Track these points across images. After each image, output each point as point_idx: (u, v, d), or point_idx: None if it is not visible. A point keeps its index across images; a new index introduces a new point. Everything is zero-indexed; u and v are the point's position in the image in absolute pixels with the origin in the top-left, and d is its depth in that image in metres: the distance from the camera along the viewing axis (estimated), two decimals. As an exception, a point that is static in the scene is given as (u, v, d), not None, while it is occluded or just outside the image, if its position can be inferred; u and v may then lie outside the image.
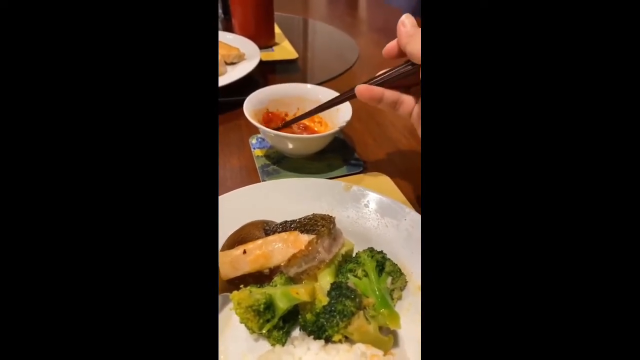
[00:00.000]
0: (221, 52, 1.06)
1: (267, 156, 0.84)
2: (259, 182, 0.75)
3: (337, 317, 0.43)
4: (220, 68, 1.03)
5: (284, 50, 1.28)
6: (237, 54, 1.09)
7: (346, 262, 0.53)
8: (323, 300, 0.46)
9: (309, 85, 0.88)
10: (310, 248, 0.49)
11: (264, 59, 1.16)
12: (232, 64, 1.08)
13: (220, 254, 0.53)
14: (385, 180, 0.75)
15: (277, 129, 0.79)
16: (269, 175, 0.78)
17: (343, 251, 0.53)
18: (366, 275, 0.51)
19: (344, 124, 0.77)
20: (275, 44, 1.31)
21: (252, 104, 0.81)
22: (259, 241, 0.52)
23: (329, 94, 0.86)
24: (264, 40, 1.24)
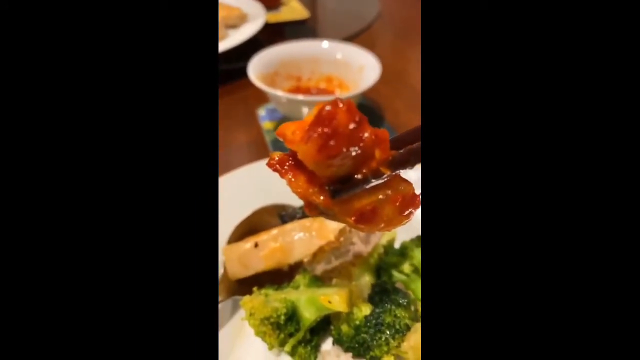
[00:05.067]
0: (221, 13, 0.92)
1: (279, 129, 0.71)
2: (271, 158, 0.63)
3: (387, 332, 0.32)
4: (220, 31, 0.89)
5: (293, 10, 1.13)
6: (239, 15, 0.95)
7: (388, 255, 0.41)
8: (363, 307, 0.34)
9: (325, 43, 0.74)
10: (342, 239, 0.37)
11: (270, 20, 1.02)
12: (234, 26, 0.95)
13: (225, 248, 0.41)
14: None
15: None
16: (283, 151, 0.66)
17: (384, 241, 0.41)
18: (416, 271, 0.39)
19: (371, 84, 0.63)
20: (282, 3, 1.15)
21: (258, 66, 0.68)
22: (274, 231, 0.41)
23: (351, 51, 0.72)
24: (269, -1, 1.09)
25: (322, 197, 0.21)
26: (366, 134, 0.19)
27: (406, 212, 0.22)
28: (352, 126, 0.19)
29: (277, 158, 0.22)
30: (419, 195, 0.22)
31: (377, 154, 0.20)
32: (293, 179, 0.22)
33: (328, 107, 0.18)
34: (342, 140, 0.19)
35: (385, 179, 0.21)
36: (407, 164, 0.21)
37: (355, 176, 0.21)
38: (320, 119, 0.18)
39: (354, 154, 0.19)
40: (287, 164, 0.22)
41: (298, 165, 0.22)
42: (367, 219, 0.21)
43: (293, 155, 0.22)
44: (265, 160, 0.59)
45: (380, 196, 0.21)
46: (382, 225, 0.22)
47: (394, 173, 0.21)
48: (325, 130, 0.18)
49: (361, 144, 0.19)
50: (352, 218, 0.21)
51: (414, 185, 0.22)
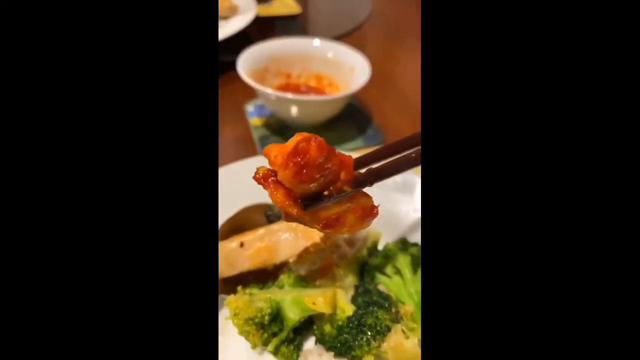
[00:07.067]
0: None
1: (267, 126, 0.71)
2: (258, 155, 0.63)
3: (369, 333, 0.32)
4: (210, 22, 0.87)
5: (284, 4, 1.12)
6: (229, 7, 0.93)
7: (371, 257, 0.42)
8: (346, 308, 0.35)
9: (316, 41, 0.74)
10: (327, 240, 0.38)
11: (260, 14, 1.00)
12: (224, 18, 0.93)
13: (211, 247, 0.41)
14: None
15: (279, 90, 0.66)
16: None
17: (368, 243, 0.41)
18: (398, 273, 0.40)
19: (361, 84, 0.64)
20: (274, -3, 1.14)
21: (248, 62, 0.67)
22: (260, 230, 0.41)
23: (342, 51, 0.72)
24: (261, -8, 1.08)
25: (296, 210, 0.26)
26: (330, 165, 0.24)
27: (366, 221, 0.27)
28: (321, 159, 0.23)
29: (261, 173, 0.26)
30: (377, 207, 0.27)
31: (342, 175, 0.25)
32: (274, 192, 0.26)
33: (303, 144, 0.23)
34: (313, 170, 0.23)
35: (347, 195, 0.26)
36: (366, 183, 0.25)
37: (324, 193, 0.25)
38: (296, 152, 0.23)
39: (322, 179, 0.24)
40: (270, 179, 0.26)
41: (278, 181, 0.25)
42: (331, 226, 0.26)
43: (275, 172, 0.26)
44: (253, 158, 0.59)
45: (344, 208, 0.26)
46: (346, 229, 0.27)
47: (355, 190, 0.25)
48: (300, 161, 0.23)
49: (327, 172, 0.24)
50: (320, 225, 0.26)
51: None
